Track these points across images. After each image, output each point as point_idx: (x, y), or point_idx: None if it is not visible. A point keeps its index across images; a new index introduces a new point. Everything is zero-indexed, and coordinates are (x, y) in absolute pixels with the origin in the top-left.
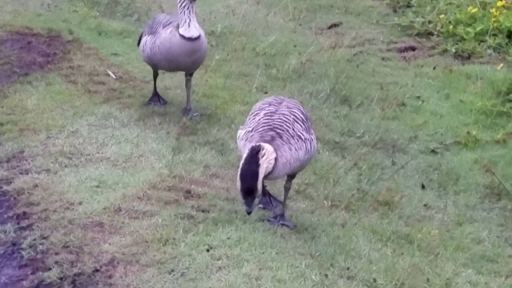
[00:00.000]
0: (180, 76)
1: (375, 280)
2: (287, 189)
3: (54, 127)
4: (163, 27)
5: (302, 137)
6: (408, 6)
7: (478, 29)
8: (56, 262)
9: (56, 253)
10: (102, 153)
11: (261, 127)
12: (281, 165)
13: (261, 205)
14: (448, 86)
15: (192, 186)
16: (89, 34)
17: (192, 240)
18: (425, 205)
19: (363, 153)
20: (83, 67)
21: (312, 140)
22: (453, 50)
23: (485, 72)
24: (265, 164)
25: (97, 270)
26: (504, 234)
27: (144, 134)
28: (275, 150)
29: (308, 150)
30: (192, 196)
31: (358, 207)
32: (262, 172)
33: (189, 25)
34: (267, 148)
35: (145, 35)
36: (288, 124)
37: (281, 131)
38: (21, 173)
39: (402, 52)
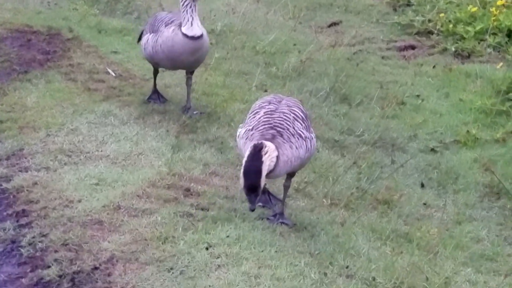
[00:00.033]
0: (180, 74)
1: (374, 279)
2: (286, 187)
3: (53, 125)
4: (165, 25)
5: (303, 135)
6: (408, 4)
7: (478, 28)
8: (55, 260)
9: (55, 251)
10: (101, 151)
11: (262, 125)
12: (283, 163)
13: (260, 204)
14: (448, 85)
15: (192, 184)
16: (89, 32)
17: (191, 238)
18: (424, 204)
19: (363, 151)
20: (83, 65)
21: (312, 138)
22: (453, 49)
23: (485, 71)
24: (267, 161)
25: (96, 268)
26: (503, 233)
27: (144, 132)
28: (277, 148)
29: (308, 148)
30: (191, 194)
31: (358, 206)
32: (265, 169)
33: (191, 24)
34: (270, 146)
35: (146, 33)
36: (288, 123)
37: (281, 130)
38: (21, 171)
39: (402, 51)
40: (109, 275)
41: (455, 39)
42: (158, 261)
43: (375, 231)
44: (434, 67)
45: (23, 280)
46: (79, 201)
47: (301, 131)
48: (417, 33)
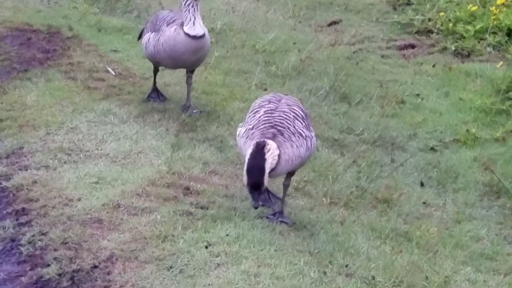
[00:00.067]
0: (180, 72)
1: (373, 278)
2: (286, 186)
3: (53, 123)
4: (167, 24)
5: (303, 134)
6: (408, 4)
7: (477, 27)
8: (55, 258)
9: (55, 249)
10: (101, 149)
11: (262, 124)
12: (284, 162)
13: (260, 202)
14: (448, 84)
15: (191, 183)
16: (88, 30)
17: (191, 237)
18: (424, 202)
19: (362, 150)
20: (83, 64)
21: (312, 137)
22: (453, 48)
23: (485, 70)
24: (270, 159)
25: (95, 267)
26: (503, 232)
27: (143, 131)
28: (278, 147)
29: (309, 147)
30: (191, 193)
31: (357, 205)
32: (268, 167)
33: (194, 23)
34: (272, 144)
35: (147, 31)
36: (288, 121)
37: (282, 129)
38: (20, 169)
39: (401, 50)
40: (108, 273)
41: (455, 38)
42: (157, 259)
43: (374, 230)
44: (434, 66)
45: (22, 278)
46: (79, 199)
47: (302, 130)
48: (417, 32)
